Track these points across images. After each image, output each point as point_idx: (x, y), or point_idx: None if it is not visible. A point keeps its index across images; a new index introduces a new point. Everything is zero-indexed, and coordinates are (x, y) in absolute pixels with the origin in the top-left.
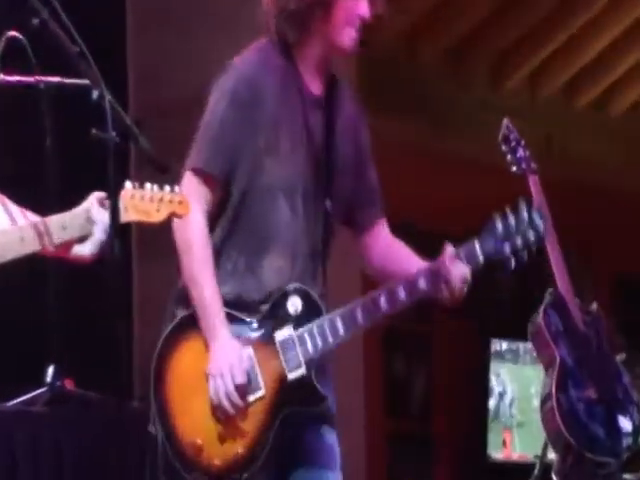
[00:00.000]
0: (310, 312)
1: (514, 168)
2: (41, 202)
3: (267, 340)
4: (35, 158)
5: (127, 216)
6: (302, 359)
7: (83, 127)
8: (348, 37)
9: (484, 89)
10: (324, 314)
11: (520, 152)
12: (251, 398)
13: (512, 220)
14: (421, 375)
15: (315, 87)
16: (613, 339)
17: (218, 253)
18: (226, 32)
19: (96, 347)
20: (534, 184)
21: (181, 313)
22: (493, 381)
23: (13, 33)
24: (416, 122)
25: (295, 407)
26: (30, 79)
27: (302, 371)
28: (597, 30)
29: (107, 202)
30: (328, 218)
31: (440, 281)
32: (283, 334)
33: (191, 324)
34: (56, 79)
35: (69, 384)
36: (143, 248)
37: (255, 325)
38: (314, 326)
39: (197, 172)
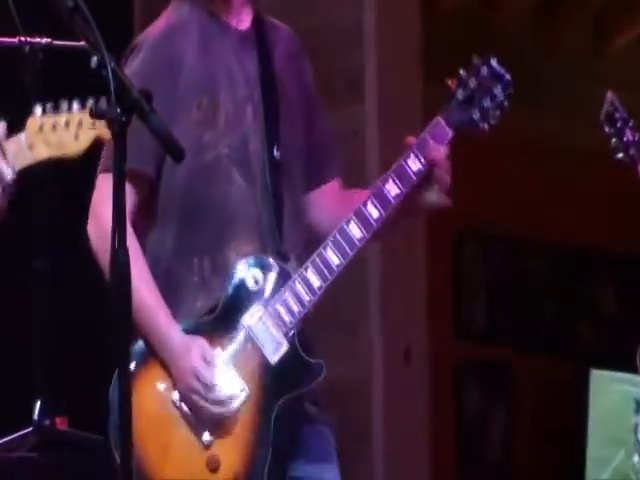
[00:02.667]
0: (276, 277)
1: (620, 155)
2: None
3: (235, 330)
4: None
5: (35, 155)
6: (280, 334)
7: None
8: None
9: (583, 54)
10: (292, 274)
11: (628, 135)
12: (235, 404)
13: (472, 82)
14: (500, 415)
15: (240, 24)
16: None
17: (173, 269)
18: None
19: (95, 378)
20: None
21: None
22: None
23: None
24: None
25: (289, 393)
26: (13, 40)
27: (284, 347)
28: None
29: None
30: (279, 169)
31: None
32: (251, 315)
33: (139, 356)
34: (45, 40)
35: (61, 423)
36: None
37: (215, 321)
38: (285, 291)
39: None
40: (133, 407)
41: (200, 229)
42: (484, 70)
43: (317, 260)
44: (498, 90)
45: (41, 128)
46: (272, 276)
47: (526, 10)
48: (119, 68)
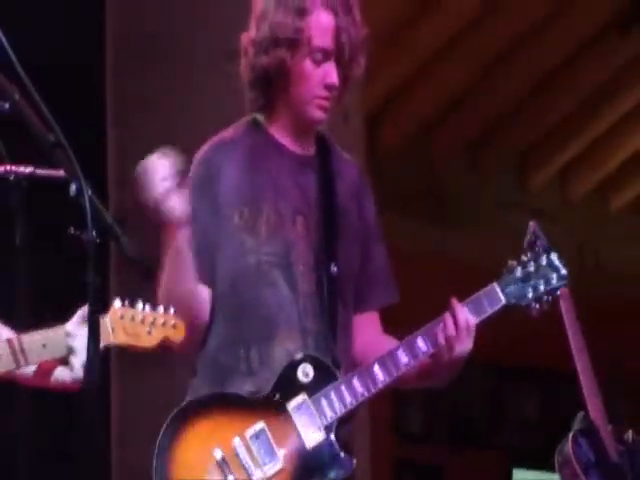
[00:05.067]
0: (324, 377)
1: None
2: (10, 312)
3: (279, 411)
4: (3, 260)
5: (115, 338)
6: (320, 424)
7: (59, 226)
8: (316, 108)
9: (508, 188)
10: (339, 379)
11: None
12: (270, 471)
13: (531, 265)
14: None
15: (300, 148)
16: None
17: (220, 358)
18: (214, 126)
19: None
20: (564, 299)
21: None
22: None
23: None
24: (431, 224)
25: (319, 478)
26: None
27: (321, 436)
28: (636, 123)
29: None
30: (335, 284)
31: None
32: (297, 401)
33: (195, 409)
34: (28, 170)
35: None
36: (124, 374)
37: (262, 399)
38: (330, 389)
39: None
40: (177, 454)
41: (246, 324)
42: (543, 259)
43: (364, 371)
44: (553, 279)
45: (122, 317)
46: (322, 374)
47: (458, 148)
48: (94, 196)
